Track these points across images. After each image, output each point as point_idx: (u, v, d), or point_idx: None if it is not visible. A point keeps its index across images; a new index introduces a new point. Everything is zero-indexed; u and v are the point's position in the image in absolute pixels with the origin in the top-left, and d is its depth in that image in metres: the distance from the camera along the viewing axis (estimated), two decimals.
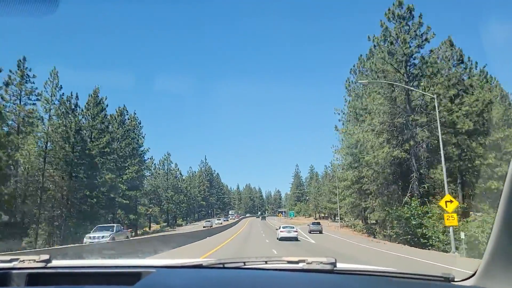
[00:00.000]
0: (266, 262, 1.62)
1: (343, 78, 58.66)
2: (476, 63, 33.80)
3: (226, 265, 1.63)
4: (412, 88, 26.76)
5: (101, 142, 41.51)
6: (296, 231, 29.76)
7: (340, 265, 1.60)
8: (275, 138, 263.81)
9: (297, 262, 1.60)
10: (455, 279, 1.55)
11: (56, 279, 1.59)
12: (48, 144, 36.03)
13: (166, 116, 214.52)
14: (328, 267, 1.53)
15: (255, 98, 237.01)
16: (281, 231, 29.66)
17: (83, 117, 41.78)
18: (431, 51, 28.53)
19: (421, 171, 28.56)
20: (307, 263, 1.57)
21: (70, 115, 37.29)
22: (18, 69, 34.05)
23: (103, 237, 22.20)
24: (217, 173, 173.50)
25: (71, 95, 38.39)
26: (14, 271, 1.55)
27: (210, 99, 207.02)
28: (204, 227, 59.23)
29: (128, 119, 53.04)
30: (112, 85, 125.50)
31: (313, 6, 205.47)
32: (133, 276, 1.51)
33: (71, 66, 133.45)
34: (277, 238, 29.66)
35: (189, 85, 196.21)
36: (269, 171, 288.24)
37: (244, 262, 1.63)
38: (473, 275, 1.53)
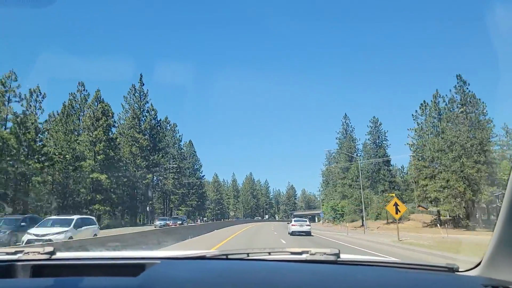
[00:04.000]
0: (269, 254, 1.60)
1: None
2: None
3: (229, 257, 1.61)
4: None
5: None
6: (309, 225, 27.57)
7: (343, 256, 1.57)
8: (282, 129, 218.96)
9: (300, 253, 1.57)
10: (459, 269, 1.52)
11: (60, 271, 1.55)
12: None
13: (166, 105, 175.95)
14: (331, 258, 1.51)
15: (261, 86, 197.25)
16: (292, 225, 27.44)
17: None
18: None
19: None
20: (310, 254, 1.54)
21: None
22: None
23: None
24: (190, 141, 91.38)
25: None
26: (19, 263, 1.52)
27: (211, 89, 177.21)
28: None
29: None
30: (112, 73, 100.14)
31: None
32: (137, 267, 1.46)
33: (71, 53, 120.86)
34: (289, 233, 27.54)
35: (189, 75, 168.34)
36: (277, 167, 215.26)
37: (247, 254, 1.61)
38: (478, 265, 1.50)
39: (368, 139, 76.55)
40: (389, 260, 1.66)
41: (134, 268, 1.44)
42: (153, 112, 58.15)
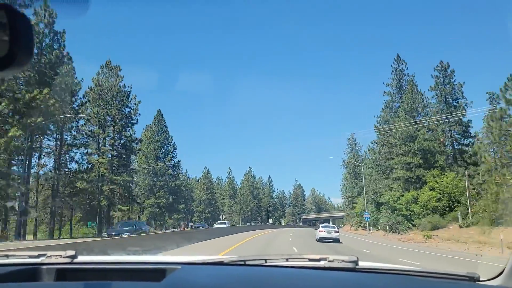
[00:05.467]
0: (287, 260, 1.59)
1: None
2: None
3: (247, 262, 1.60)
4: None
5: None
6: (338, 232, 26.83)
7: (362, 263, 1.54)
8: (283, 126, 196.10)
9: (318, 260, 1.55)
10: (481, 279, 1.48)
11: (84, 275, 1.58)
12: None
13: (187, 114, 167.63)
14: (350, 265, 1.49)
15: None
16: (320, 231, 26.61)
17: None
18: None
19: None
20: (328, 261, 1.52)
21: None
22: None
23: None
24: (158, 111, 61.71)
25: None
26: (43, 267, 1.54)
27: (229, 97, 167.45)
28: None
29: None
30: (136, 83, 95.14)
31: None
32: (158, 272, 1.48)
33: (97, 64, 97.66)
34: (316, 239, 26.82)
35: (210, 83, 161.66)
36: (281, 166, 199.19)
37: (265, 260, 1.60)
38: (500, 274, 1.47)
39: (433, 97, 46.84)
40: (409, 268, 1.57)
41: (155, 273, 1.45)
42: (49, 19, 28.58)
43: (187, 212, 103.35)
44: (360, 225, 59.03)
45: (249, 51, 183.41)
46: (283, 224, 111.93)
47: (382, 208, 41.23)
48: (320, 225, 29.52)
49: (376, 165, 49.23)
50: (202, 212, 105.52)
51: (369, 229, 40.15)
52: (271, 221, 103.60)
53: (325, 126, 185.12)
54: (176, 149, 62.20)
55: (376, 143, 51.17)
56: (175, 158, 62.01)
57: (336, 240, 25.70)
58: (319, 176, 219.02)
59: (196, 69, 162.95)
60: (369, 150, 51.79)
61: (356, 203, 59.54)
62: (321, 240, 25.60)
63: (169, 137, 61.61)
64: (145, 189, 57.31)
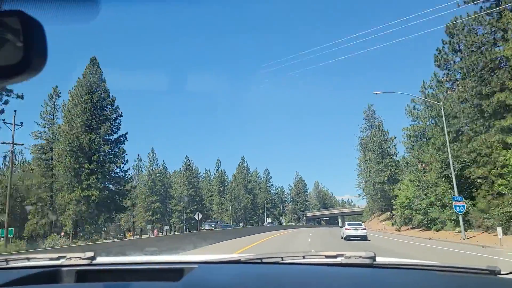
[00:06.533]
0: (303, 257, 1.59)
1: None
2: None
3: (264, 260, 1.60)
4: None
5: None
6: (365, 229, 25.65)
7: (379, 259, 1.53)
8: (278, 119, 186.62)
9: (335, 257, 1.54)
10: (502, 272, 1.44)
11: (103, 276, 1.59)
12: None
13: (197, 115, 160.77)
14: (367, 261, 1.49)
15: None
16: (346, 229, 25.73)
17: None
18: None
19: None
20: (345, 258, 1.51)
21: None
22: None
23: None
24: (93, 58, 40.67)
25: None
26: (63, 269, 1.56)
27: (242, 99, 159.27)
28: None
29: None
30: (146, 85, 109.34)
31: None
32: (176, 272, 1.50)
33: (107, 66, 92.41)
34: (342, 237, 26.19)
35: (222, 84, 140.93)
36: (279, 159, 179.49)
37: (281, 257, 1.60)
38: None
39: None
40: (427, 263, 1.56)
41: (173, 273, 1.46)
42: None
43: (164, 212, 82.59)
44: (406, 222, 37.90)
45: (248, 49, 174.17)
46: (283, 223, 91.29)
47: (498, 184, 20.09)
48: (346, 223, 29.12)
49: (447, 115, 28.06)
50: (183, 212, 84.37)
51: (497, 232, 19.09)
52: (269, 219, 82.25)
53: (325, 119, 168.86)
54: (121, 116, 40.66)
55: (440, 81, 30.06)
56: (118, 129, 40.42)
57: (364, 238, 24.46)
58: (322, 169, 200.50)
59: (195, 67, 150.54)
60: (425, 97, 30.74)
61: (399, 189, 38.37)
62: (347, 238, 24.45)
63: (109, 96, 40.09)
64: (67, 176, 36.03)
